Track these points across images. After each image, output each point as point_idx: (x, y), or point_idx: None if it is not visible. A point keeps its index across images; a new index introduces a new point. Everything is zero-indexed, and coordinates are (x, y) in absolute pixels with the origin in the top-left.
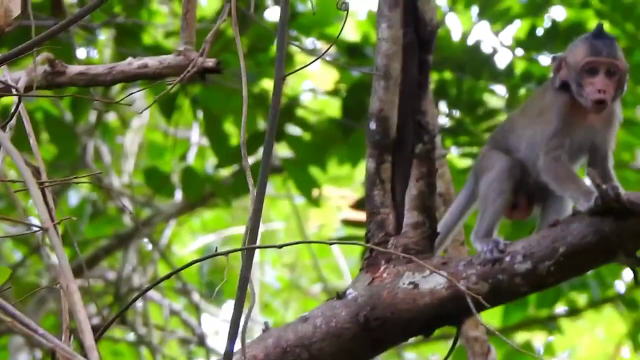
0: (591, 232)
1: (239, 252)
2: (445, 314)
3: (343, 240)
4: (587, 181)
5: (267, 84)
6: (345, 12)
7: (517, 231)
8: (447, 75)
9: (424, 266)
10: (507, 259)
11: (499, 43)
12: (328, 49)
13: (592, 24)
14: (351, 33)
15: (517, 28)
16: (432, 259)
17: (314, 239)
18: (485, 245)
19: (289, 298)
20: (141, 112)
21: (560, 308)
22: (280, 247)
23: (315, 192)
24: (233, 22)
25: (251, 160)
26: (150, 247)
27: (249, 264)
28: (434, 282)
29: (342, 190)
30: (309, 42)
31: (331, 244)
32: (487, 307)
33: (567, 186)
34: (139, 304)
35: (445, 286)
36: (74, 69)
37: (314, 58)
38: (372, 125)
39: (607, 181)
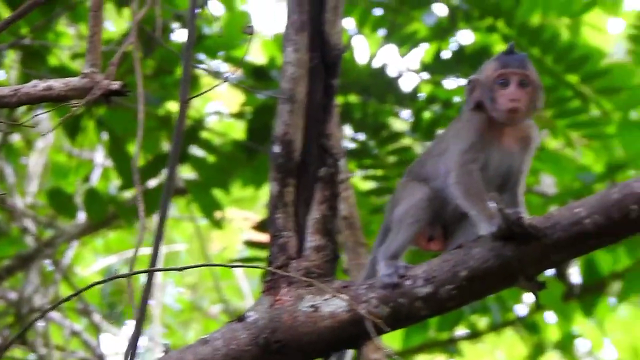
0: (493, 256)
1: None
2: (346, 337)
3: (244, 263)
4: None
5: (173, 106)
6: (250, 35)
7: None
8: (353, 98)
9: (324, 289)
10: (408, 282)
11: (405, 66)
12: (233, 72)
13: (499, 48)
14: (258, 56)
15: (423, 51)
16: (333, 282)
17: (216, 260)
18: (387, 268)
19: (190, 319)
20: (46, 134)
21: (461, 331)
22: (181, 269)
23: (218, 214)
24: (135, 45)
25: (155, 182)
26: (52, 267)
27: (150, 286)
28: (334, 305)
29: (245, 212)
30: (215, 64)
31: (232, 266)
32: (387, 331)
33: (473, 204)
34: (40, 324)
35: (346, 309)
36: None
37: (219, 81)
38: (276, 149)
39: (514, 206)
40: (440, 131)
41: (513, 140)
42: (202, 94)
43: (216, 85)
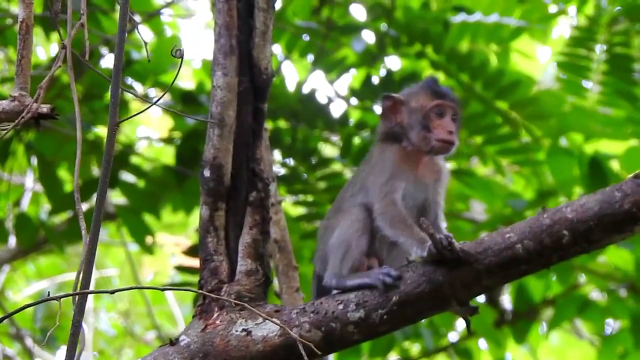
0: (424, 281)
1: (73, 299)
2: None
3: (176, 287)
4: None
5: (102, 130)
6: (180, 59)
7: None
8: (282, 123)
9: (257, 314)
10: (341, 307)
11: (334, 92)
12: (162, 96)
13: (427, 74)
14: (188, 82)
15: (352, 77)
16: (265, 306)
17: (147, 285)
18: (375, 274)
19: (123, 345)
20: None
21: (393, 357)
22: (112, 292)
23: (149, 239)
24: (68, 68)
25: (85, 206)
26: None
27: (81, 309)
28: (267, 329)
29: (176, 237)
30: (145, 89)
31: (164, 289)
32: (319, 355)
33: (401, 232)
34: None
35: (278, 334)
36: None
37: (148, 105)
38: (206, 173)
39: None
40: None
41: (427, 173)
42: (131, 117)
43: (146, 109)
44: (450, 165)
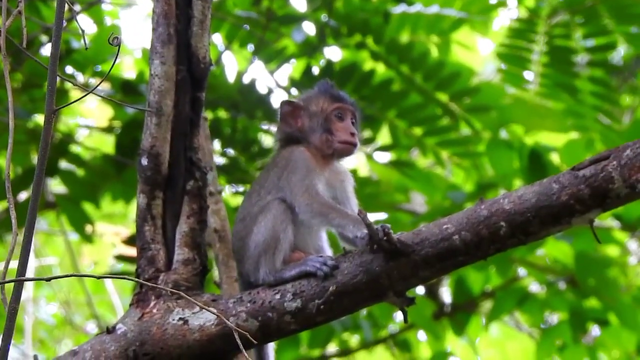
0: (362, 271)
1: (10, 287)
2: (215, 351)
3: (114, 275)
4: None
5: (42, 119)
6: (118, 47)
7: None
8: (222, 113)
9: (193, 303)
10: (278, 296)
11: (274, 82)
12: (99, 84)
13: (368, 65)
14: (130, 71)
15: (292, 68)
16: (202, 295)
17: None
18: (311, 262)
19: (63, 334)
20: None
21: (332, 348)
22: (49, 279)
23: (88, 228)
24: (2, 55)
25: (24, 195)
26: None
27: (18, 296)
28: (203, 318)
29: (115, 226)
30: (85, 79)
31: (100, 277)
32: (256, 345)
33: (331, 216)
34: None
35: (215, 323)
36: None
37: (86, 93)
38: (144, 162)
39: None
40: None
41: (332, 175)
42: (68, 105)
43: (83, 97)
44: (390, 156)
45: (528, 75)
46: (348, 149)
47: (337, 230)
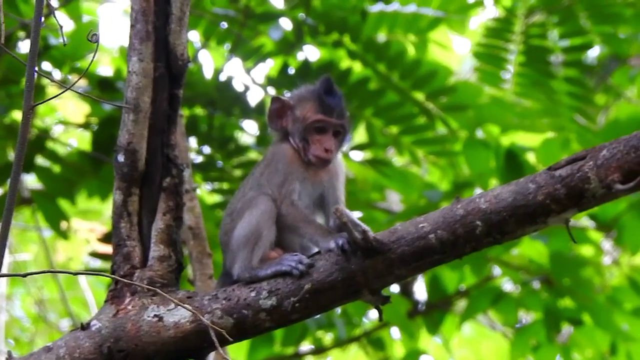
0: (337, 269)
1: None
2: (190, 348)
3: (89, 271)
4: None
5: (19, 115)
6: (96, 43)
7: None
8: (199, 111)
9: (169, 299)
10: (253, 294)
11: (251, 80)
12: (77, 81)
13: (345, 63)
14: (106, 69)
15: (269, 66)
16: (178, 292)
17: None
18: (286, 261)
19: (38, 332)
20: None
21: (306, 346)
22: (24, 275)
23: (63, 225)
24: None
25: (1, 191)
26: None
27: None
28: (178, 315)
29: (91, 223)
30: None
31: (76, 274)
32: (231, 342)
33: (304, 229)
34: None
35: (190, 320)
36: None
37: (64, 89)
38: (120, 158)
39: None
40: None
41: (320, 171)
42: (46, 101)
43: (61, 93)
44: (366, 155)
45: (504, 74)
46: (320, 163)
47: (309, 243)
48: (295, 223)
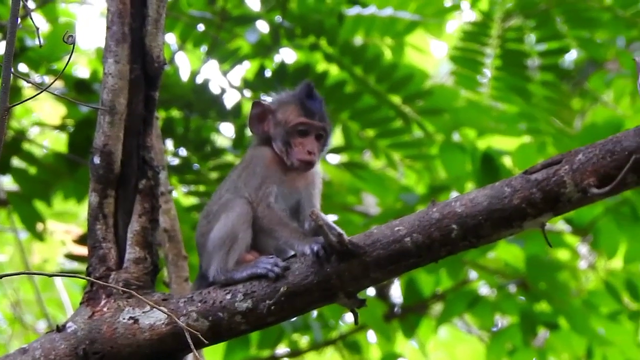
0: (313, 272)
1: None
2: (166, 350)
3: (64, 273)
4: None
5: None
6: (72, 45)
7: None
8: (175, 113)
9: (144, 301)
10: (228, 297)
11: (228, 83)
12: (53, 82)
13: (322, 66)
14: (83, 70)
15: (245, 68)
16: (153, 294)
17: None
18: (262, 264)
19: (14, 333)
20: None
21: (282, 349)
22: (1, 277)
23: (39, 226)
24: None
25: None
26: None
27: None
28: (154, 318)
29: (66, 225)
30: (39, 77)
31: (52, 275)
32: (206, 344)
33: (280, 232)
34: None
35: (166, 322)
36: None
37: (40, 91)
38: (96, 160)
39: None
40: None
41: (297, 177)
42: (22, 102)
43: (37, 94)
44: (342, 158)
45: (481, 78)
46: (303, 167)
47: (284, 247)
48: (271, 226)
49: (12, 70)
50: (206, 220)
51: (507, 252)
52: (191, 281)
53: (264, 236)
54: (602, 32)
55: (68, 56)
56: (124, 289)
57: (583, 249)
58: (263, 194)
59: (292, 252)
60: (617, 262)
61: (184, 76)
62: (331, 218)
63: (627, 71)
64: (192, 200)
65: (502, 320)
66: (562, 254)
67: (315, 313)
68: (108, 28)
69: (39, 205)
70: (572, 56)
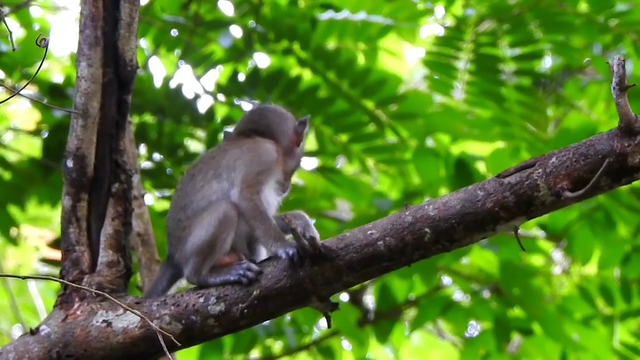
0: (285, 276)
1: None
2: (138, 353)
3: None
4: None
5: None
6: (45, 48)
7: None
8: (148, 118)
9: (118, 305)
10: (201, 300)
11: (201, 87)
12: (26, 85)
13: (295, 71)
14: (57, 76)
15: (219, 73)
16: (126, 297)
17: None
18: (235, 270)
19: None
20: None
21: (255, 354)
22: None
23: (13, 231)
24: None
25: None
26: None
27: None
28: (127, 321)
29: (40, 230)
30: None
31: (25, 278)
32: (179, 347)
33: (260, 224)
34: None
35: (139, 325)
36: None
37: (13, 94)
38: (69, 163)
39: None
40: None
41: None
42: None
43: (9, 98)
44: (315, 163)
45: (455, 83)
46: None
47: (259, 241)
48: (252, 217)
49: None
50: (184, 213)
51: (480, 258)
52: None
53: (243, 234)
54: (577, 37)
55: (41, 59)
56: (97, 292)
57: (557, 254)
58: (259, 180)
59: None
60: (591, 268)
61: (158, 81)
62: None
63: (601, 76)
64: (165, 205)
65: (475, 326)
66: (536, 260)
67: (288, 318)
68: (81, 31)
69: (13, 210)
70: (547, 64)
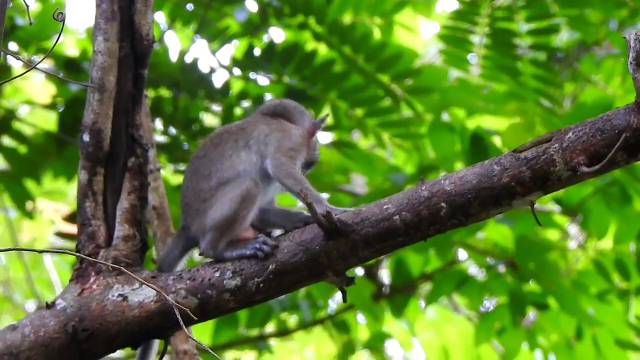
0: (301, 250)
1: None
2: (154, 327)
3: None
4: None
5: None
6: (62, 22)
7: None
8: (164, 92)
9: (134, 279)
10: (217, 274)
11: (216, 62)
12: (43, 59)
13: (310, 45)
14: (73, 50)
15: (234, 47)
16: (142, 272)
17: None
18: (251, 245)
19: (3, 312)
20: None
21: (270, 328)
22: None
23: (29, 205)
24: None
25: None
26: None
27: None
28: (143, 295)
29: (56, 203)
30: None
31: (42, 252)
32: (195, 321)
33: (302, 186)
34: None
35: (154, 299)
36: None
37: (29, 68)
38: (85, 138)
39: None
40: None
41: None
42: (11, 79)
43: (26, 72)
44: (331, 137)
45: (470, 57)
46: None
47: (298, 198)
48: (291, 178)
49: (2, 47)
50: (207, 183)
51: (496, 232)
52: None
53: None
54: (593, 12)
55: (58, 34)
56: (114, 266)
57: (573, 229)
58: (292, 155)
59: (280, 231)
60: (606, 242)
61: (173, 55)
62: (324, 196)
63: (617, 50)
64: (180, 179)
65: (490, 301)
66: (552, 234)
67: (303, 292)
68: (98, 6)
69: (29, 184)
70: (563, 38)
